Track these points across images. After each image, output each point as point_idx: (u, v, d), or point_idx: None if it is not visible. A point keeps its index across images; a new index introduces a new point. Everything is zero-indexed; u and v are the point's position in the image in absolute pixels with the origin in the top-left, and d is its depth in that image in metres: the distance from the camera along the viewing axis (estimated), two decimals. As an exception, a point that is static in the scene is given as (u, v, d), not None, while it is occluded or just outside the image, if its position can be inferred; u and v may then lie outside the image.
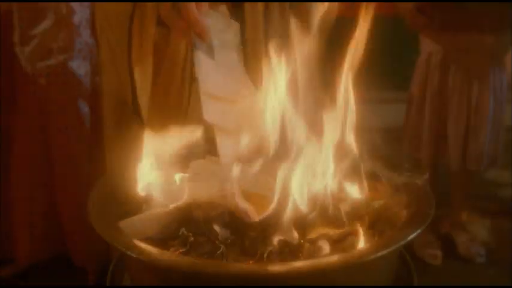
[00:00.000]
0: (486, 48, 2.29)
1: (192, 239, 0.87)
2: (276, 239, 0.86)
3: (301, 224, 0.88)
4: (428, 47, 2.41)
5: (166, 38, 1.23)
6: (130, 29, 1.19)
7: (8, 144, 2.14)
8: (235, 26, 1.02)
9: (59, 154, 2.12)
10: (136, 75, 1.26)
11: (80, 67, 2.10)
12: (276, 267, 0.80)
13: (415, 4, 2.30)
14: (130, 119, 1.44)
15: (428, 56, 2.40)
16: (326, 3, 0.94)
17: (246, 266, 0.81)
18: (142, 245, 0.81)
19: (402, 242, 0.82)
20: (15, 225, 2.18)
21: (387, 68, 2.89)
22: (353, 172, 0.97)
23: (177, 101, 1.32)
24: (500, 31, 2.30)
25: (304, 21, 0.92)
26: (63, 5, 2.02)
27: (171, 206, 0.91)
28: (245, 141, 0.90)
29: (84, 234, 2.07)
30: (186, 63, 1.28)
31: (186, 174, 0.96)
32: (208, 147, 0.99)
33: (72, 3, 2.03)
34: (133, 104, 1.30)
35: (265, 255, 0.84)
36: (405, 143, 2.49)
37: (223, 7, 1.02)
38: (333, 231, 0.88)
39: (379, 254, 0.79)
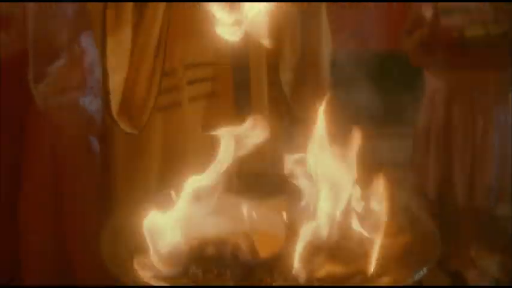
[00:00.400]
0: (490, 85, 2.31)
1: (201, 276, 0.89)
2: (284, 278, 0.87)
3: (310, 262, 0.89)
4: (432, 83, 2.44)
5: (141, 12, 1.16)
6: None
7: (18, 180, 2.16)
8: None
9: (70, 190, 2.14)
10: (110, 50, 1.15)
11: (91, 103, 2.15)
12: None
13: (419, 41, 2.34)
14: (141, 155, 1.46)
15: (432, 93, 2.42)
16: None
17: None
18: (154, 284, 0.83)
19: (409, 281, 0.83)
20: (23, 261, 2.18)
21: (393, 104, 2.92)
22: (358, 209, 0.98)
23: (148, 82, 1.22)
24: (504, 68, 2.32)
25: None
26: (76, 45, 2.08)
27: (184, 243, 0.92)
28: None
29: (94, 271, 2.06)
30: (161, 39, 1.18)
31: (199, 211, 0.98)
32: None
33: (85, 44, 2.08)
34: (103, 91, 1.22)
35: (273, 293, 0.85)
36: (412, 179, 2.49)
37: None
38: (340, 270, 0.89)
39: (387, 293, 0.80)
